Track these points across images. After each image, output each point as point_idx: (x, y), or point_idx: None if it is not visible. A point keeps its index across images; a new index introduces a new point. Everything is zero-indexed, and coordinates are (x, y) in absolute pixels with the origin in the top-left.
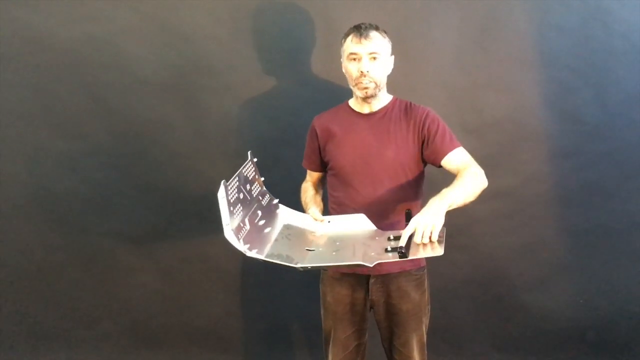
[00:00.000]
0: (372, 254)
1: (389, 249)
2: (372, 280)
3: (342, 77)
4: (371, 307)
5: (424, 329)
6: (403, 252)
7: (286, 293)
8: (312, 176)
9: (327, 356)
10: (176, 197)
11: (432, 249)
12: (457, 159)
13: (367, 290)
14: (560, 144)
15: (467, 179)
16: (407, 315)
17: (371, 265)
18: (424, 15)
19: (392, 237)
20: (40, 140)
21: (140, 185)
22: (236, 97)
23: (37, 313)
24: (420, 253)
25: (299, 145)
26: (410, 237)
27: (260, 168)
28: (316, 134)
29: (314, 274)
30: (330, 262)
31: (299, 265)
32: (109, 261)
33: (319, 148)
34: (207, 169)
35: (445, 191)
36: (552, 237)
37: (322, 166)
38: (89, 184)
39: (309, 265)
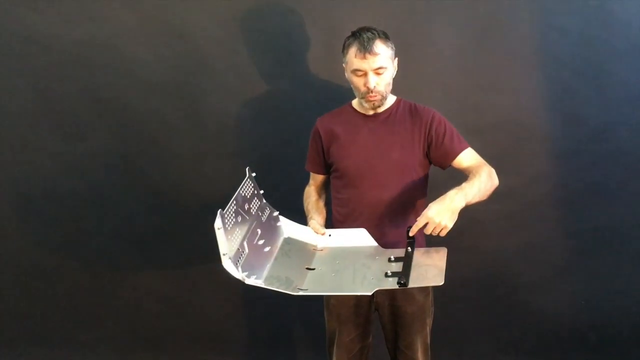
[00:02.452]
0: (372, 278)
1: (389, 273)
2: None
3: (344, 77)
4: (375, 309)
5: (428, 330)
6: (402, 283)
7: (288, 294)
8: (315, 180)
9: (330, 358)
10: (177, 198)
11: (432, 276)
12: (469, 159)
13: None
14: (562, 144)
15: (483, 177)
16: (412, 318)
17: (370, 294)
18: (425, 16)
19: (392, 259)
20: (40, 141)
21: (140, 186)
22: (237, 98)
23: (38, 314)
24: (419, 282)
25: (300, 146)
26: (410, 263)
27: (261, 169)
28: (320, 135)
29: None
30: (328, 291)
31: (298, 293)
32: (110, 262)
33: (323, 150)
34: (207, 169)
35: (465, 187)
36: (553, 238)
37: (327, 169)
38: (90, 184)
39: (308, 293)
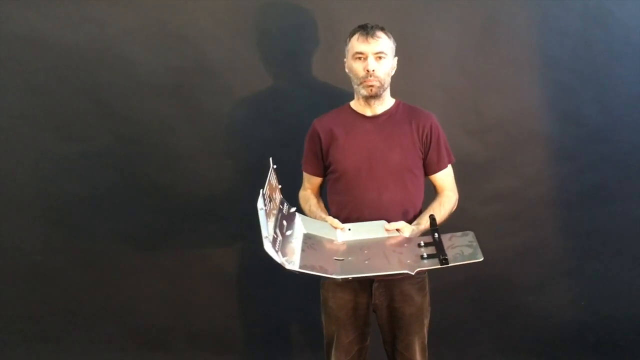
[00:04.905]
0: (408, 261)
1: (425, 255)
2: (375, 285)
3: (344, 79)
4: (374, 311)
5: (426, 331)
6: (446, 259)
7: (286, 295)
8: (312, 183)
9: None
10: (177, 199)
11: (469, 255)
12: (442, 179)
13: (369, 295)
14: (561, 146)
15: (445, 206)
16: (410, 319)
17: (413, 273)
18: (425, 18)
19: (422, 244)
20: (41, 142)
21: (141, 187)
22: (237, 99)
23: (38, 315)
24: (460, 260)
25: (299, 146)
26: (442, 246)
27: (261, 170)
28: (319, 136)
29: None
30: (371, 272)
31: (339, 277)
32: (110, 263)
33: (322, 151)
34: (208, 170)
35: (423, 223)
36: (553, 239)
37: (324, 170)
38: (90, 185)
39: (349, 276)
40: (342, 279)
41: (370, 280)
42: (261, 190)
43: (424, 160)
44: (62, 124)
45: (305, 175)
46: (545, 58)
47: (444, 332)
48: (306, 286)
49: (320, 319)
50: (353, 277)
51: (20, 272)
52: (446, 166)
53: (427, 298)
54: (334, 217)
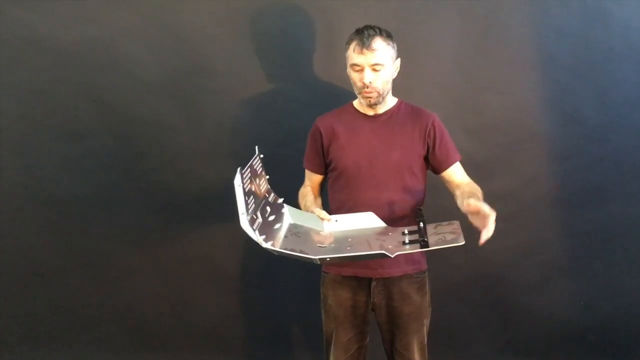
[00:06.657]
0: (390, 246)
1: (407, 241)
2: (374, 283)
3: (344, 79)
4: (372, 310)
5: (425, 331)
6: (425, 241)
7: (286, 294)
8: (312, 180)
9: (328, 359)
10: (176, 199)
11: (451, 239)
12: (458, 173)
13: (368, 293)
14: (561, 145)
15: (478, 192)
16: (409, 318)
17: (392, 256)
18: (424, 17)
19: (406, 232)
20: (40, 142)
21: (140, 186)
22: (237, 99)
23: (37, 314)
24: (440, 244)
25: (300, 147)
26: (425, 232)
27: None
28: (320, 134)
29: (316, 275)
30: (348, 253)
31: (316, 257)
32: (109, 263)
33: (323, 149)
34: (207, 170)
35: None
36: (552, 239)
37: (325, 168)
38: (89, 185)
39: (327, 256)
40: (319, 259)
41: (369, 279)
42: (239, 169)
43: (433, 159)
44: (61, 124)
45: (306, 172)
46: (544, 57)
47: (444, 332)
48: (306, 286)
49: (321, 317)
50: (331, 258)
51: (20, 272)
52: (456, 161)
53: (427, 298)
54: (334, 214)
